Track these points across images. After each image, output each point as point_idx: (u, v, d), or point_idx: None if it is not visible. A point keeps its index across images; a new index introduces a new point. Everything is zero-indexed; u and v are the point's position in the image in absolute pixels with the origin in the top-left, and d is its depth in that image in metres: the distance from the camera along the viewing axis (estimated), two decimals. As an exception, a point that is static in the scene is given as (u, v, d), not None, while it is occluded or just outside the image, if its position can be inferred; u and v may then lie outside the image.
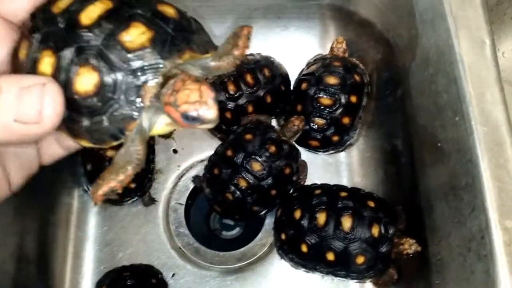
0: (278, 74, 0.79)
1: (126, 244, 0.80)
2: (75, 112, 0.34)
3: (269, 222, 0.80)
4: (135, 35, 0.33)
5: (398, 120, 0.74)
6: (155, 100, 0.34)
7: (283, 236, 0.71)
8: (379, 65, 0.79)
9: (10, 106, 0.30)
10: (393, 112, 0.76)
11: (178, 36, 0.35)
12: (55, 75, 0.33)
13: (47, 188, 0.76)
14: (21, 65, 0.34)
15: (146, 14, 0.34)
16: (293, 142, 0.75)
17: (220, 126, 0.80)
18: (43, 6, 0.35)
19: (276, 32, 0.86)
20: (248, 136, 0.72)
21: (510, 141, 0.53)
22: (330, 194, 0.69)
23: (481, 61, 0.56)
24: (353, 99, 0.75)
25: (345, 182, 0.83)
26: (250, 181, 0.70)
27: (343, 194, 0.69)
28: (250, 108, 0.76)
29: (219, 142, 0.79)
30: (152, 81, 0.33)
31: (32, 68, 0.34)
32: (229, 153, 0.72)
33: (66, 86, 0.33)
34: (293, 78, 0.82)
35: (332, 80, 0.74)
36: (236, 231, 0.89)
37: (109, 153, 0.73)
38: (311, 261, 0.68)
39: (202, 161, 0.85)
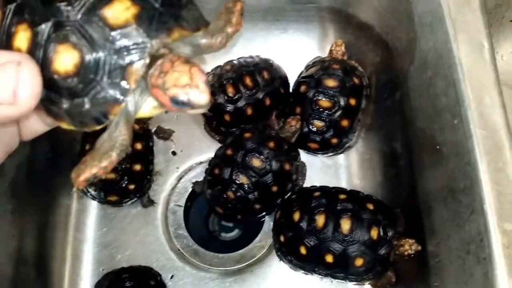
0: (277, 77, 0.79)
1: (125, 245, 0.80)
2: (54, 92, 0.31)
3: (268, 224, 0.80)
4: (119, 10, 0.30)
5: (397, 123, 0.74)
6: (142, 83, 0.32)
7: (282, 238, 0.71)
8: (378, 68, 0.79)
9: None
10: (392, 114, 0.76)
11: (167, 12, 0.32)
12: (31, 52, 0.30)
13: (46, 189, 0.76)
14: None
15: None
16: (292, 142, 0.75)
17: (219, 128, 0.80)
18: None
19: (275, 35, 0.87)
20: (247, 135, 0.72)
21: (509, 144, 0.53)
22: (329, 196, 0.69)
23: (480, 64, 0.56)
24: (352, 101, 0.75)
25: (344, 184, 0.83)
26: (251, 177, 0.70)
27: (342, 196, 0.69)
28: (249, 111, 0.76)
29: (218, 144, 0.79)
30: (138, 62, 0.30)
31: (5, 43, 0.31)
32: (229, 152, 0.72)
33: (44, 64, 0.30)
34: (292, 81, 0.82)
35: (331, 83, 0.75)
36: (235, 233, 0.89)
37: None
38: (310, 263, 0.68)
39: (201, 163, 0.85)
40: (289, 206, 0.71)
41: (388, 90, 0.76)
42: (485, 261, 0.50)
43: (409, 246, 0.64)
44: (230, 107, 0.76)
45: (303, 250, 0.67)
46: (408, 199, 0.70)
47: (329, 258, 0.65)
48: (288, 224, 0.70)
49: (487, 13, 0.59)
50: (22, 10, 0.31)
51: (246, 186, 0.70)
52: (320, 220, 0.66)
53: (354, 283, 0.73)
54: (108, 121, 0.32)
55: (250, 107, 0.76)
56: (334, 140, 0.77)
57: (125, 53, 0.30)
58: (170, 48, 0.33)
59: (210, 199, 0.75)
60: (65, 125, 0.33)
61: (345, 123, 0.75)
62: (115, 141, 0.33)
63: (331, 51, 0.79)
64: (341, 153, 0.83)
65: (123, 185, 0.75)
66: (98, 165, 0.32)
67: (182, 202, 0.83)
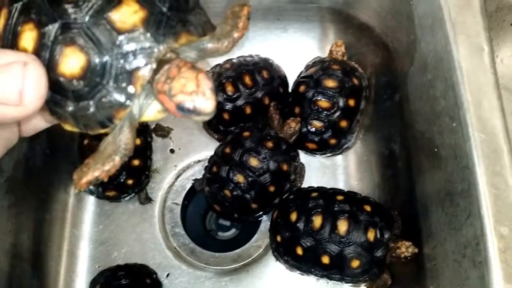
0: (276, 76, 0.79)
1: (121, 243, 0.80)
2: (59, 94, 0.31)
3: (265, 223, 0.80)
4: (127, 14, 0.30)
5: (396, 125, 0.74)
6: (147, 86, 0.31)
7: (278, 238, 0.71)
8: (377, 69, 0.79)
9: None
10: (391, 116, 0.76)
11: (174, 16, 0.32)
12: (37, 52, 0.30)
13: (43, 185, 0.75)
14: None
15: None
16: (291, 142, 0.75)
17: (217, 127, 0.79)
18: None
19: (275, 34, 0.86)
20: (246, 134, 0.72)
21: (507, 148, 0.53)
22: (327, 197, 0.69)
23: (479, 68, 0.56)
24: (351, 102, 0.75)
25: (341, 185, 0.83)
26: (248, 177, 0.70)
27: (340, 197, 0.69)
28: (248, 110, 0.76)
29: (217, 143, 0.79)
30: (145, 68, 0.30)
31: (11, 42, 0.31)
32: (228, 150, 0.72)
33: (50, 66, 0.30)
34: (291, 80, 0.82)
35: (330, 83, 0.74)
36: (232, 232, 0.89)
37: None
38: (306, 263, 0.68)
39: (199, 161, 0.85)
40: (286, 206, 0.71)
41: (388, 91, 0.76)
42: (481, 264, 0.50)
43: (406, 249, 0.64)
44: (229, 106, 0.76)
45: (299, 251, 0.67)
46: (405, 202, 0.70)
47: (326, 259, 0.65)
48: (285, 224, 0.70)
49: (487, 17, 0.59)
50: (28, 10, 0.31)
51: (242, 185, 0.70)
52: (317, 221, 0.66)
53: (350, 284, 0.73)
54: (113, 125, 0.32)
55: (249, 106, 0.76)
56: (333, 141, 0.77)
57: (132, 57, 0.30)
58: (176, 52, 0.33)
59: (208, 196, 0.75)
60: (69, 127, 0.33)
61: (343, 124, 0.75)
62: (119, 145, 0.33)
63: (331, 51, 0.79)
64: (339, 154, 0.83)
65: (122, 180, 0.76)
66: (101, 168, 0.33)
67: (180, 200, 0.83)
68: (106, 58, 0.30)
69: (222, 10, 0.79)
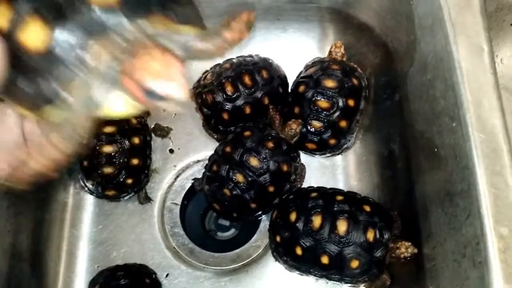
0: (276, 76, 0.79)
1: (120, 243, 0.79)
2: (19, 70, 0.30)
3: (264, 223, 0.80)
4: None
5: (396, 125, 0.74)
6: (111, 68, 0.30)
7: (278, 238, 0.71)
8: (377, 69, 0.79)
9: None
10: (390, 116, 0.76)
11: (155, 1, 0.30)
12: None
13: (42, 185, 0.75)
14: None
15: None
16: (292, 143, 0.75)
17: (217, 127, 0.79)
18: None
19: (275, 34, 0.86)
20: (247, 133, 0.72)
21: (507, 148, 0.53)
22: (326, 197, 0.69)
23: (479, 68, 0.56)
24: (351, 102, 0.75)
25: (341, 185, 0.83)
26: (248, 176, 0.70)
27: (339, 197, 0.69)
28: (247, 110, 0.76)
29: (216, 143, 0.79)
30: (108, 40, 0.29)
31: None
32: (228, 149, 0.72)
33: (10, 39, 0.29)
34: (291, 80, 0.82)
35: (330, 83, 0.74)
36: (231, 232, 0.88)
37: (105, 149, 0.73)
38: (305, 264, 0.68)
39: (198, 161, 0.85)
40: (286, 206, 0.71)
41: (387, 91, 0.76)
42: (481, 265, 0.50)
43: (405, 249, 0.64)
44: (228, 106, 0.76)
45: (298, 251, 0.67)
46: (405, 202, 0.70)
47: (325, 259, 0.65)
48: (285, 224, 0.70)
49: (487, 17, 0.59)
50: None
51: (242, 184, 0.70)
52: (317, 221, 0.66)
53: (349, 285, 0.73)
54: (63, 101, 0.30)
55: (249, 106, 0.76)
56: (332, 141, 0.77)
57: (99, 30, 0.29)
58: (154, 41, 0.31)
59: (208, 195, 0.75)
60: (22, 110, 0.32)
61: (343, 124, 0.75)
62: (73, 130, 0.32)
63: (330, 52, 0.79)
64: (338, 154, 0.83)
65: (121, 180, 0.75)
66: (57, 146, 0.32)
67: (179, 200, 0.83)
68: (71, 31, 0.28)
69: (223, 11, 0.79)
